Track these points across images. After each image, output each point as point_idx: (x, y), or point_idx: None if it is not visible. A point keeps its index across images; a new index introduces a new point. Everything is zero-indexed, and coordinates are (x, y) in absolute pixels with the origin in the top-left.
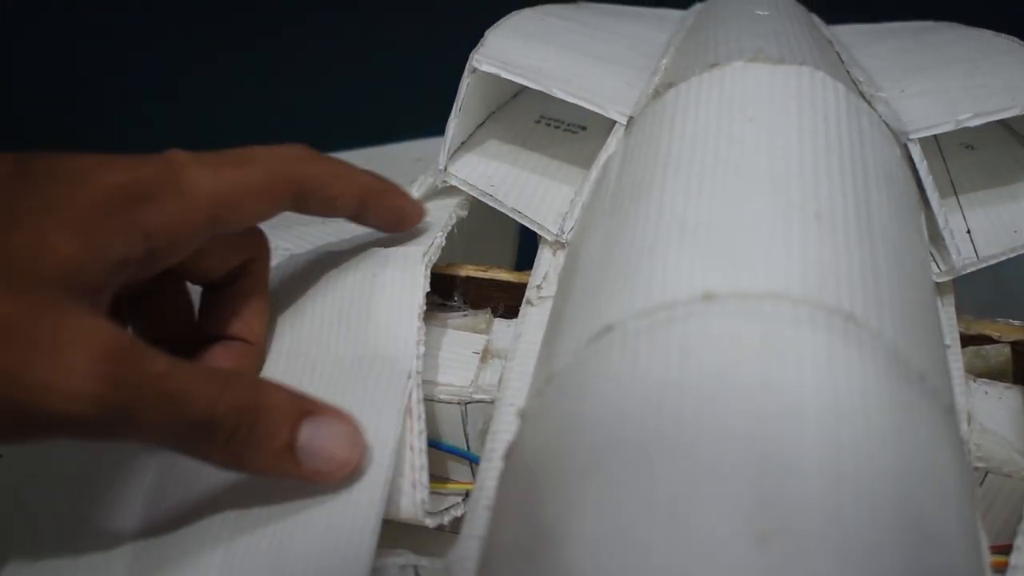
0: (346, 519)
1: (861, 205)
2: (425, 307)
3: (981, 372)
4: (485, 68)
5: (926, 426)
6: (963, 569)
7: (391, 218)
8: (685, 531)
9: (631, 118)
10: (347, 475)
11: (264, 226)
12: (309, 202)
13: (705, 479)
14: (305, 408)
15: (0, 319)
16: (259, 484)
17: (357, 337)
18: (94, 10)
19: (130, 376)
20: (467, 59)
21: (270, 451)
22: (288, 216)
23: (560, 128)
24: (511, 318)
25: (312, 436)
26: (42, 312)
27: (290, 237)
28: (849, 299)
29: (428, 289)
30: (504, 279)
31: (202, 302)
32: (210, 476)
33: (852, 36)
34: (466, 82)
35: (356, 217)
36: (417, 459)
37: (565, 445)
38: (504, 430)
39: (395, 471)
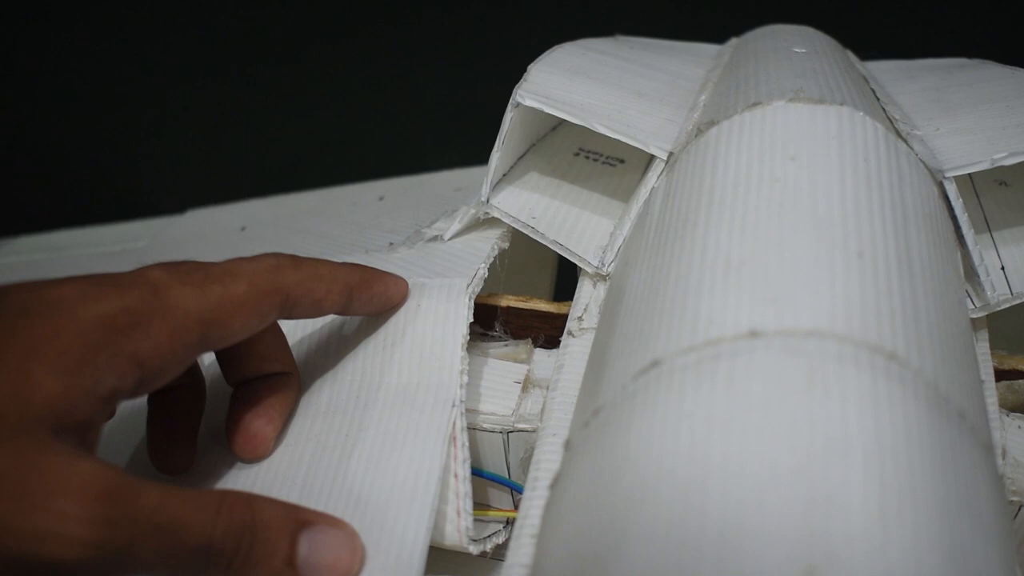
0: (394, 546)
1: (901, 244)
2: (468, 338)
3: (1013, 406)
4: (528, 103)
5: (966, 463)
6: None
7: (377, 305)
8: (734, 563)
9: (671, 153)
10: None
11: (300, 253)
12: (296, 308)
13: (753, 512)
14: (301, 519)
15: None
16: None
17: (402, 366)
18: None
19: (124, 515)
20: (505, 89)
21: (271, 569)
22: (332, 244)
23: (599, 161)
24: (550, 348)
25: (311, 549)
26: (31, 457)
27: None
28: (891, 338)
29: (471, 319)
30: (544, 309)
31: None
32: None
33: (886, 73)
34: (509, 116)
35: (344, 311)
36: (461, 487)
37: (613, 477)
38: (548, 460)
39: (440, 499)
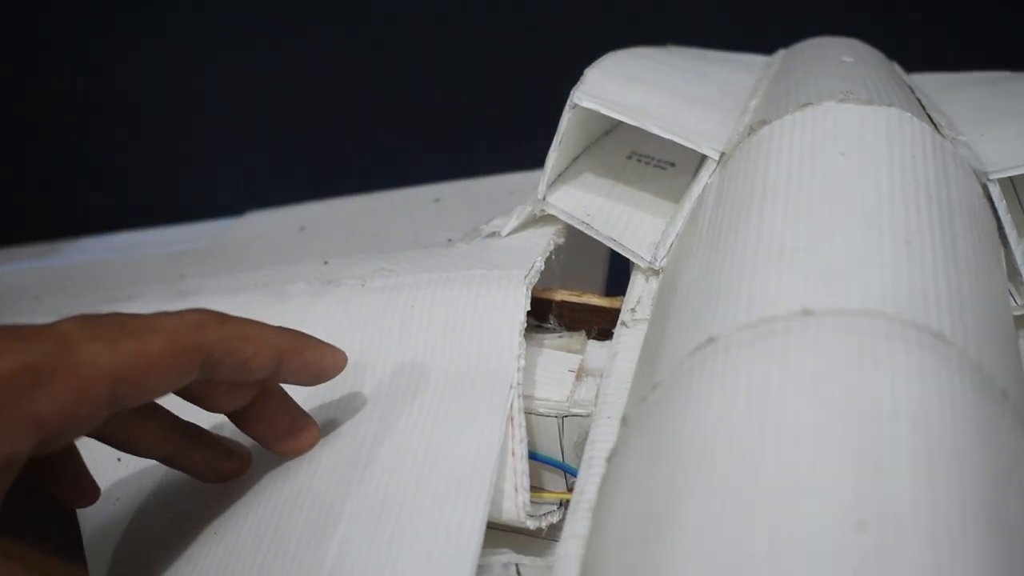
0: (455, 517)
1: (947, 235)
2: (525, 325)
3: None
4: (585, 104)
5: (1009, 437)
6: None
7: (310, 373)
8: (789, 518)
9: (723, 154)
10: None
11: (359, 250)
12: (219, 369)
13: (806, 472)
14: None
15: None
16: (374, 486)
17: (462, 352)
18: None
19: None
20: (552, 98)
21: None
22: (391, 242)
23: (651, 164)
24: (603, 340)
25: None
26: None
27: (393, 260)
28: (937, 319)
29: (528, 309)
30: (596, 304)
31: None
32: (325, 478)
33: (932, 84)
34: (566, 116)
35: (273, 377)
36: (519, 464)
37: (670, 444)
38: (603, 439)
39: (499, 475)
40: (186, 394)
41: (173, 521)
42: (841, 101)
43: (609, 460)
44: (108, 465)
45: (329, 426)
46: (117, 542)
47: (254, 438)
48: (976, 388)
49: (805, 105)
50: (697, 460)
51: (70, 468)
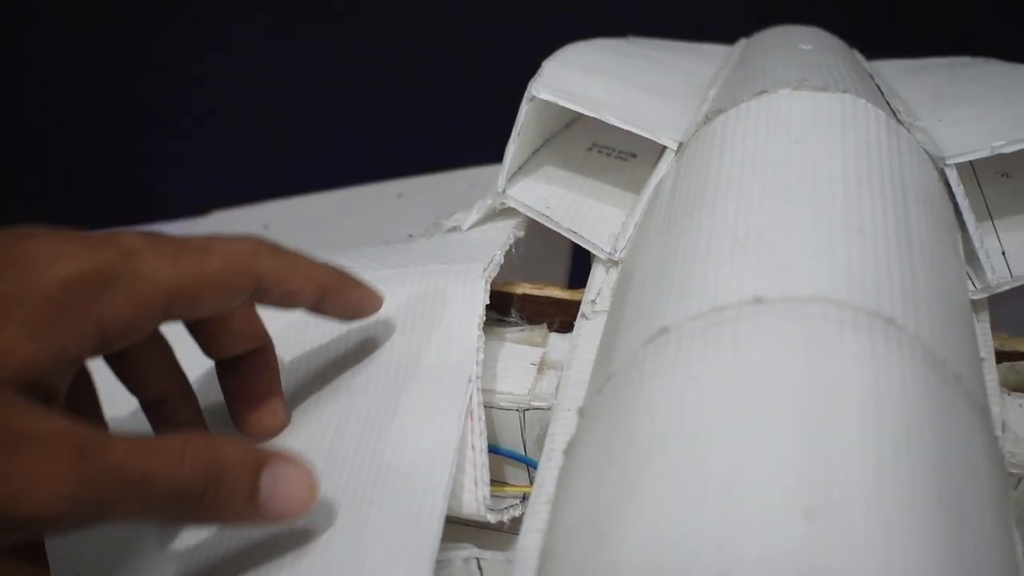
0: (414, 511)
1: (900, 221)
2: (484, 318)
3: (1016, 386)
4: (543, 96)
5: (961, 421)
6: (998, 552)
7: (350, 310)
8: (738, 507)
9: (681, 144)
10: (305, 514)
11: (321, 247)
12: (267, 295)
13: (755, 461)
14: (260, 457)
15: None
16: (335, 480)
17: (421, 347)
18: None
19: (95, 470)
20: (517, 90)
21: (238, 504)
22: (353, 236)
23: (611, 155)
24: (565, 333)
25: (272, 484)
26: (6, 419)
27: (354, 256)
28: (890, 304)
29: (487, 302)
30: (558, 296)
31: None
32: None
33: (891, 70)
34: (524, 109)
35: (315, 309)
36: (478, 458)
37: (623, 436)
38: (563, 431)
39: (459, 469)
40: (203, 328)
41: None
42: (796, 89)
43: (566, 453)
44: None
45: (290, 421)
46: (79, 542)
47: (229, 397)
48: (928, 373)
49: (760, 93)
50: (648, 451)
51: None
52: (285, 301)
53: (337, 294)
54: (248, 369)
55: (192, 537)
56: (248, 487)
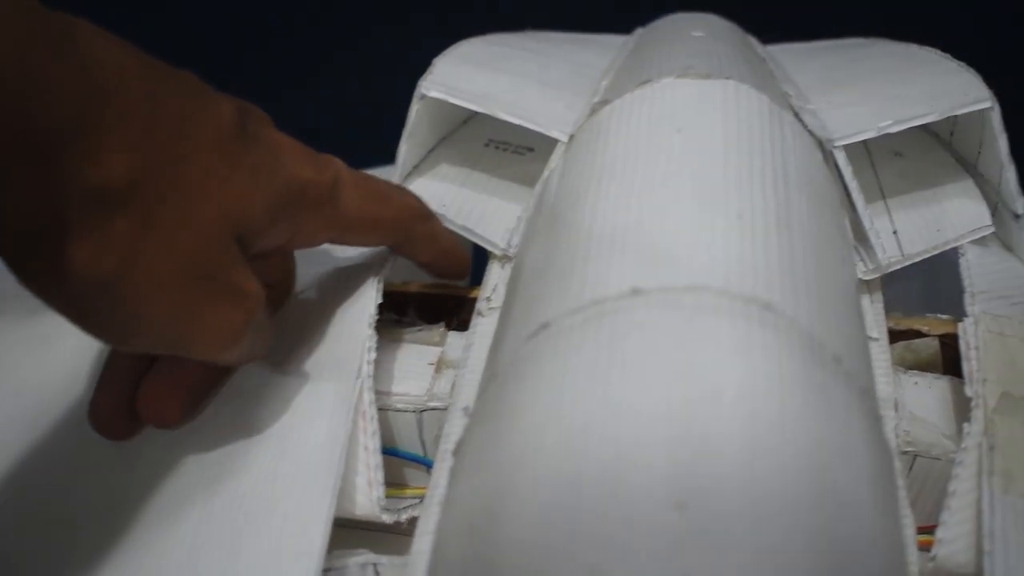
0: (302, 514)
1: (781, 206)
2: (377, 317)
3: (912, 365)
4: (433, 94)
5: (839, 404)
6: (879, 536)
7: (450, 273)
8: (611, 501)
9: (572, 136)
10: None
11: None
12: (402, 252)
13: (631, 454)
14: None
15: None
16: (225, 484)
17: (311, 346)
18: None
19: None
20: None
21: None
22: None
23: (508, 150)
24: (464, 331)
25: None
26: (235, 272)
27: None
28: (767, 289)
29: (380, 301)
30: (457, 294)
31: None
32: (176, 478)
33: (786, 54)
34: (415, 108)
35: (423, 267)
36: (371, 458)
37: (504, 435)
38: (454, 431)
39: (351, 470)
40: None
41: (29, 523)
42: (680, 77)
43: (455, 453)
44: None
45: (185, 429)
46: None
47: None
48: (806, 356)
49: (644, 82)
50: (527, 448)
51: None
52: (412, 256)
53: (442, 261)
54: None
55: (83, 543)
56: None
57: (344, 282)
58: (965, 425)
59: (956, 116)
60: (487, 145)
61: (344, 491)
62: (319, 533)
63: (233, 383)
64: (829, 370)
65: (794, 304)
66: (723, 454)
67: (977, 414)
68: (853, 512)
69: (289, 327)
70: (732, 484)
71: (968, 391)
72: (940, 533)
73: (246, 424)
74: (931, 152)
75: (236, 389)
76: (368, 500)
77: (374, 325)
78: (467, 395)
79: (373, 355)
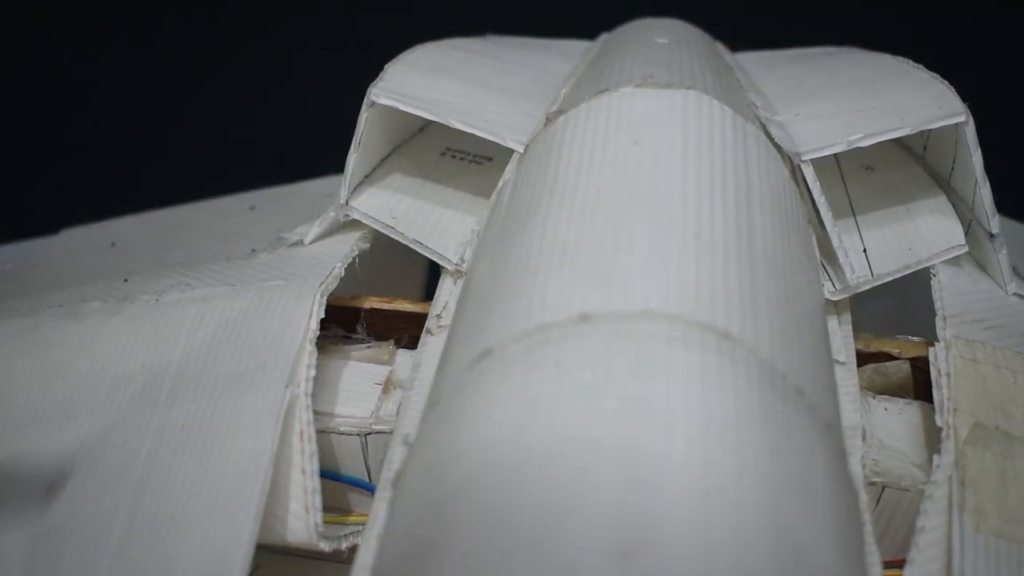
0: (222, 533)
1: (743, 225)
2: (318, 332)
3: (882, 389)
4: (383, 101)
5: (800, 440)
6: None
7: None
8: (552, 547)
9: (527, 147)
10: None
11: (166, 264)
12: None
13: (573, 496)
14: None
15: None
16: (147, 501)
17: (243, 358)
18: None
19: None
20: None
21: None
22: (196, 255)
23: (466, 160)
24: (414, 349)
25: None
26: None
27: (193, 274)
28: (725, 316)
29: (323, 315)
30: (408, 310)
31: None
32: (98, 498)
33: (755, 63)
34: (364, 116)
35: None
36: (309, 482)
37: (442, 469)
38: (396, 459)
39: (284, 494)
40: None
41: None
42: (638, 86)
43: (395, 484)
44: None
45: (101, 444)
46: None
47: None
48: (765, 389)
49: (602, 92)
50: (465, 485)
51: None
52: None
53: None
54: None
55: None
56: None
57: (284, 294)
58: (935, 457)
59: (928, 130)
60: (443, 154)
61: (277, 515)
62: (238, 560)
63: (160, 396)
64: (791, 404)
65: (754, 332)
66: (673, 497)
67: (947, 445)
68: (813, 559)
69: (219, 332)
70: (682, 529)
71: (938, 420)
72: (908, 572)
73: (168, 439)
74: (904, 166)
75: (162, 402)
76: (304, 527)
77: (314, 340)
78: (412, 419)
79: (312, 372)
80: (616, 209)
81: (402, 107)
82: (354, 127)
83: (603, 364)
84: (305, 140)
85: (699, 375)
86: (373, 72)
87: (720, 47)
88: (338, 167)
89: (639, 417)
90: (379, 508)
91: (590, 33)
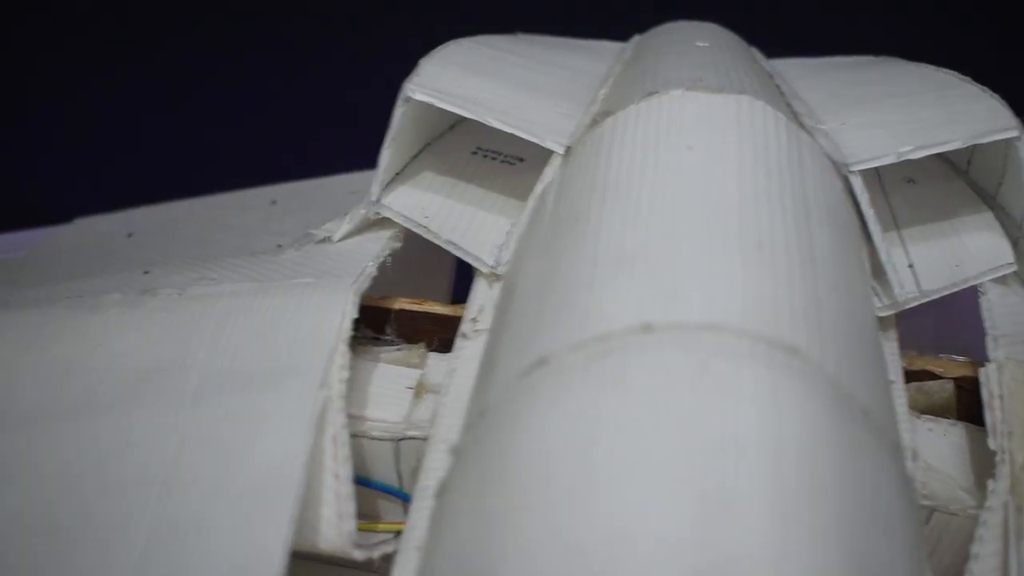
0: (256, 536)
1: (803, 236)
2: (351, 332)
3: (924, 408)
4: (419, 97)
5: (871, 464)
6: None
7: None
8: (621, 570)
9: (568, 147)
10: None
11: (186, 257)
12: None
13: (640, 516)
14: None
15: None
16: (173, 503)
17: (273, 357)
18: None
19: None
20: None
21: None
22: (217, 248)
23: (497, 160)
24: (446, 352)
25: None
26: None
27: (217, 268)
28: (791, 331)
29: (355, 315)
30: (438, 312)
31: None
32: (121, 498)
33: (792, 69)
34: (399, 111)
35: None
36: (342, 488)
37: (497, 483)
38: (436, 467)
39: (317, 499)
40: None
41: None
42: (689, 89)
43: (439, 496)
44: None
45: (126, 443)
46: None
47: None
48: (834, 410)
49: (651, 94)
50: (523, 503)
51: None
52: None
53: None
54: None
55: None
56: None
57: (316, 293)
58: (990, 482)
59: (976, 144)
60: (475, 153)
61: (308, 521)
62: (276, 559)
63: (185, 395)
64: (859, 425)
65: (820, 349)
66: (748, 523)
67: (1003, 470)
68: None
69: (248, 330)
70: (759, 556)
71: (992, 444)
72: None
73: (195, 438)
74: (946, 181)
75: (188, 400)
76: (337, 534)
77: (347, 340)
78: (449, 427)
79: (346, 373)
80: (673, 215)
81: (438, 104)
82: (366, 124)
83: (666, 378)
84: (325, 135)
85: (768, 393)
86: (381, 69)
87: (756, 52)
88: (355, 164)
89: (706, 436)
90: (418, 518)
91: (590, 33)
